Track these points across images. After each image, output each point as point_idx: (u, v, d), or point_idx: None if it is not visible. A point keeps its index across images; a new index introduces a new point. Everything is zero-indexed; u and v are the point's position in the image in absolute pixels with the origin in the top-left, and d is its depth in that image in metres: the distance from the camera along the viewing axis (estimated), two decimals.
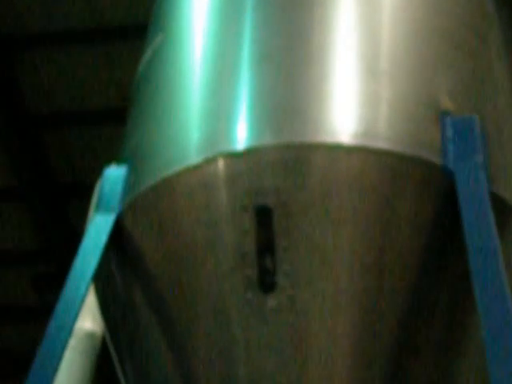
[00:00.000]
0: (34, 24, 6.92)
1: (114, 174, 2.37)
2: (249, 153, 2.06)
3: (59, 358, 2.09)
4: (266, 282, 2.00)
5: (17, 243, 8.14)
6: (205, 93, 2.29)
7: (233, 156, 2.06)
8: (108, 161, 4.50)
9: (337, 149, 2.02)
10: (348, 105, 2.11)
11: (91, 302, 2.78)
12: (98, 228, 2.25)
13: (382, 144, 2.03)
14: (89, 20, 6.85)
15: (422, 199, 2.05)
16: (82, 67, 7.12)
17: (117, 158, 2.58)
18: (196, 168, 2.10)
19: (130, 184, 2.29)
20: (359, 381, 2.01)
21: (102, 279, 2.35)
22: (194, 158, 2.12)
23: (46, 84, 7.25)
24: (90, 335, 3.67)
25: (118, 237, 2.25)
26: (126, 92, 6.97)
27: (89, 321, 3.66)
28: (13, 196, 7.86)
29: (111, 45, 6.97)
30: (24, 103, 7.35)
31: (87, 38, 7.00)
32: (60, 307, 2.15)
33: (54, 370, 2.07)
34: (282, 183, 2.02)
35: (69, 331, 2.13)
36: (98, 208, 2.33)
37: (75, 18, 6.83)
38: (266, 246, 2.01)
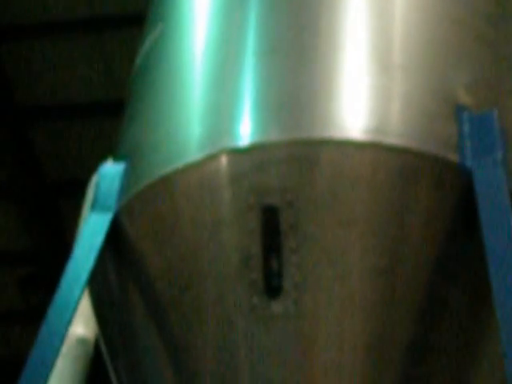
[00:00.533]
0: (22, 15, 6.91)
1: (111, 171, 2.37)
2: (254, 149, 2.04)
3: (51, 365, 2.11)
4: (272, 286, 2.01)
5: (3, 243, 8.13)
6: (207, 86, 2.29)
7: (236, 152, 2.05)
8: (98, 157, 4.49)
9: (347, 145, 2.01)
10: (359, 99, 2.10)
11: (83, 306, 2.78)
12: (94, 228, 2.26)
13: (394, 140, 2.03)
14: (80, 10, 6.83)
15: (437, 198, 2.05)
16: (71, 58, 7.11)
17: (113, 154, 2.58)
18: (197, 165, 2.08)
19: (127, 182, 2.28)
20: (371, 378, 2.02)
21: (98, 281, 2.35)
22: (194, 154, 2.10)
23: (33, 77, 7.24)
24: (82, 341, 3.67)
25: (115, 237, 2.25)
26: (117, 84, 7.04)
27: (81, 326, 3.66)
28: (1, 195, 7.84)
29: (102, 36, 6.95)
30: (11, 97, 7.34)
31: (78, 29, 6.98)
32: (53, 312, 2.15)
33: (46, 377, 2.08)
34: (288, 181, 2.03)
35: (61, 337, 2.15)
36: (93, 207, 2.33)
37: (66, 9, 6.83)
38: (272, 248, 2.01)
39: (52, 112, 7.54)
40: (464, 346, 2.14)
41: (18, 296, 8.11)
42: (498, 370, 2.16)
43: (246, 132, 2.08)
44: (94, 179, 3.82)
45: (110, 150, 2.65)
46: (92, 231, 2.25)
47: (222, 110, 2.17)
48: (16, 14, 6.94)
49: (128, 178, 2.29)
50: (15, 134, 7.46)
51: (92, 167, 4.32)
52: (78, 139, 7.48)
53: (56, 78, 7.24)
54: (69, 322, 2.14)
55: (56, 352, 2.10)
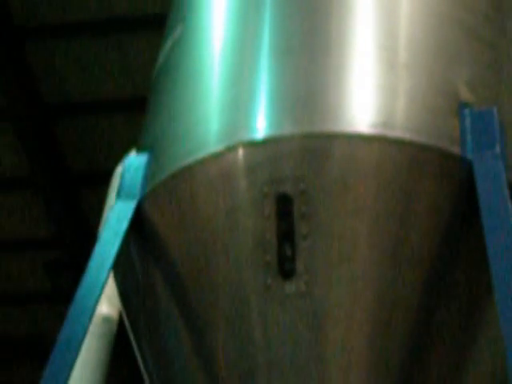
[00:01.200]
0: (47, 15, 6.93)
1: (135, 162, 2.37)
2: (268, 142, 2.06)
3: (80, 342, 2.10)
4: (285, 269, 2.01)
5: (30, 231, 8.17)
6: (225, 83, 2.28)
7: (253, 145, 2.07)
8: (119, 149, 4.50)
9: (356, 138, 2.02)
10: (367, 95, 2.10)
11: (108, 287, 2.79)
12: (119, 214, 2.26)
13: (400, 134, 2.03)
14: (101, 11, 6.84)
15: (440, 189, 2.05)
16: (93, 57, 7.13)
17: (137, 146, 2.59)
18: (216, 156, 2.10)
19: (150, 171, 2.29)
20: (376, 364, 2.02)
21: (122, 264, 2.36)
22: (214, 146, 2.12)
23: (58, 73, 7.26)
24: (107, 319, 3.71)
25: (139, 223, 2.25)
26: (137, 81, 7.03)
27: (105, 305, 3.69)
28: (26, 184, 7.88)
29: (123, 35, 6.96)
30: (37, 92, 7.36)
31: (99, 29, 7.00)
32: (81, 292, 2.16)
33: (76, 353, 2.08)
34: (301, 172, 2.03)
35: (89, 316, 2.14)
36: (119, 195, 2.33)
37: (87, 10, 6.84)
38: (285, 234, 2.01)
39: (78, 108, 7.56)
40: (464, 327, 2.14)
41: (44, 279, 8.15)
42: (497, 354, 2.18)
43: (261, 126, 2.09)
44: (118, 170, 3.85)
45: (126, 143, 2.67)
46: (117, 217, 2.26)
47: (239, 106, 2.17)
48: (41, 15, 6.96)
49: (151, 168, 2.29)
50: (41, 129, 7.49)
51: (114, 159, 4.36)
52: (101, 133, 7.50)
53: (80, 76, 7.26)
54: (96, 302, 2.14)
55: (84, 330, 2.11)
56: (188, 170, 2.15)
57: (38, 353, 8.30)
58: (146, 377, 2.50)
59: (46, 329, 8.41)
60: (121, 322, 3.41)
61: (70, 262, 7.86)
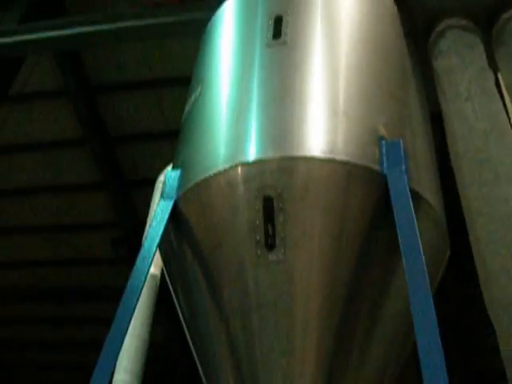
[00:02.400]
0: (110, 74, 6.73)
1: (172, 175, 2.36)
2: (257, 162, 2.07)
3: (139, 294, 2.12)
4: (269, 243, 2.02)
5: (102, 219, 8.09)
6: (229, 124, 2.28)
7: (247, 164, 2.08)
8: (159, 164, 4.39)
9: (313, 160, 2.04)
10: (320, 132, 2.11)
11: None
12: (163, 209, 2.26)
13: (342, 157, 2.05)
14: (145, 72, 6.63)
15: (368, 193, 2.07)
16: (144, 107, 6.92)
17: (172, 164, 2.59)
18: (223, 172, 2.12)
19: (182, 182, 2.29)
20: (327, 299, 2.01)
21: (164, 242, 2.35)
22: (222, 165, 2.13)
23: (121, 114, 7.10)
24: (153, 276, 3.70)
25: (175, 215, 2.26)
26: (171, 122, 6.72)
27: (152, 267, 3.67)
28: (96, 189, 7.77)
29: (161, 91, 6.75)
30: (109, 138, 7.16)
31: (144, 86, 6.74)
32: (139, 260, 2.17)
33: (136, 301, 2.10)
34: (278, 182, 2.05)
35: (145, 275, 2.15)
36: (162, 196, 2.32)
37: (134, 71, 6.61)
38: (269, 220, 2.03)
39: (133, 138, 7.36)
40: (382, 278, 2.13)
41: (111, 250, 8.10)
42: (404, 298, 2.06)
43: (252, 152, 2.09)
44: (160, 178, 3.83)
45: (173, 162, 2.63)
46: (161, 211, 2.26)
47: (238, 139, 2.17)
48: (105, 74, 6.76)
49: (183, 179, 2.30)
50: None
51: (156, 171, 4.28)
52: (146, 153, 7.34)
53: (134, 117, 7.07)
54: (150, 266, 2.15)
55: (142, 285, 2.12)
56: (206, 181, 2.17)
57: (102, 301, 8.19)
58: (182, 320, 2.46)
59: (109, 284, 8.27)
60: (163, 278, 3.36)
61: (127, 239, 7.81)
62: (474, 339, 7.58)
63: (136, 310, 3.46)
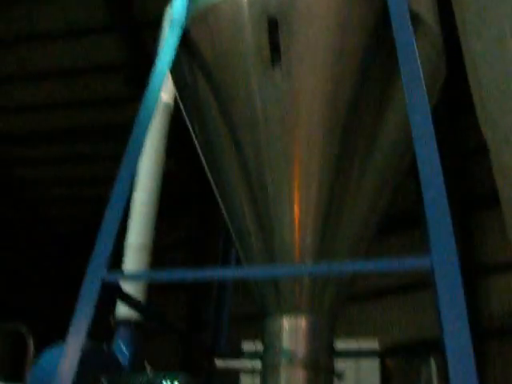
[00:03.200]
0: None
1: (180, 2, 2.34)
2: None
3: (151, 118, 2.13)
4: (274, 59, 2.10)
5: (116, 59, 7.94)
6: None
7: None
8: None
9: None
10: None
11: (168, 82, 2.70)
12: (172, 35, 2.30)
13: None
14: None
15: (368, 10, 2.10)
16: None
17: None
18: None
19: (190, 8, 2.30)
20: (330, 109, 2.11)
21: (176, 68, 2.40)
22: None
23: None
24: (167, 105, 3.80)
25: (185, 42, 2.30)
26: None
27: (165, 94, 3.76)
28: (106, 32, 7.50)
29: None
30: None
31: None
32: (152, 81, 2.21)
33: (149, 123, 2.13)
34: (282, 5, 2.10)
35: (156, 98, 2.19)
36: (171, 24, 2.34)
37: None
38: (274, 38, 2.09)
39: None
40: (380, 101, 2.21)
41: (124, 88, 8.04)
42: (400, 123, 2.22)
43: None
44: (168, 11, 3.73)
45: None
46: (171, 36, 2.29)
47: None
48: None
49: (190, 6, 2.30)
50: None
51: None
52: None
53: None
54: (160, 89, 2.17)
55: (153, 110, 2.17)
56: (214, 6, 2.20)
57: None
58: (195, 140, 2.55)
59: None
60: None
61: (140, 69, 7.47)
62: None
63: (151, 137, 3.57)
